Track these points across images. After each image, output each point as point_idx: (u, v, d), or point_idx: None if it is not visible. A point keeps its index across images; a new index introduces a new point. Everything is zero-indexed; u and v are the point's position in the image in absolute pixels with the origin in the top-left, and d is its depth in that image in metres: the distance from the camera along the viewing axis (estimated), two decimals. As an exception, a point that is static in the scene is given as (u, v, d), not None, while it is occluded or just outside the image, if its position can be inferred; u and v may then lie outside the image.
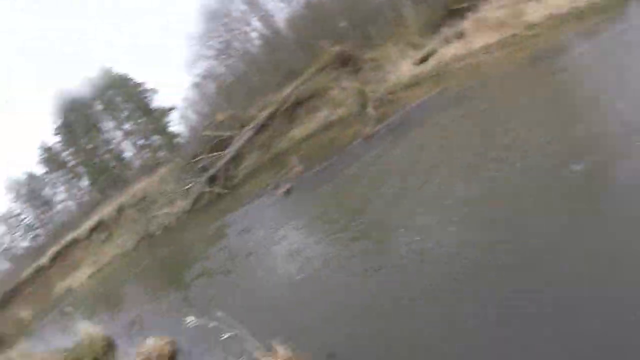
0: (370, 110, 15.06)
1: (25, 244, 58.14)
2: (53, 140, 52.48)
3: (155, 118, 47.64)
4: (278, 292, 8.17)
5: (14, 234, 59.24)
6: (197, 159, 22.36)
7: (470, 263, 5.23)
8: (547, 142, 7.02)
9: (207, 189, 21.13)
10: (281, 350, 5.26)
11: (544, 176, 6.14)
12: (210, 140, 22.28)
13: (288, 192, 13.65)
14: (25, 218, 58.46)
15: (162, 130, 47.31)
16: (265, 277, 9.29)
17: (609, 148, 5.90)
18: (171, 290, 13.22)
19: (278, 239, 10.64)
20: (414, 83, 16.25)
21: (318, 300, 6.89)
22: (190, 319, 5.22)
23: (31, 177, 56.35)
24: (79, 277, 31.62)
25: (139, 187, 32.24)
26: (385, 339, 5.01)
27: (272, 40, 30.28)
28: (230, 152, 20.91)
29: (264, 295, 8.41)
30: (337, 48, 20.17)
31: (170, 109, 47.45)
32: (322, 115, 18.55)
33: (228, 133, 21.75)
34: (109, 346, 11.68)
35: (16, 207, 58.23)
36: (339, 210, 9.86)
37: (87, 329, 12.24)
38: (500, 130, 8.47)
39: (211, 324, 5.28)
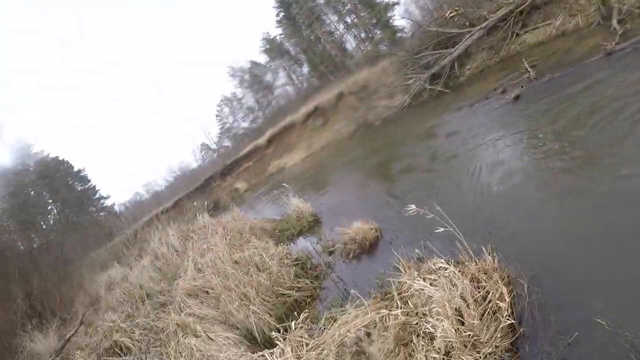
0: (614, 23, 13.78)
1: (245, 124, 67.65)
2: (275, 32, 58.23)
3: (377, 12, 48.52)
4: (477, 199, 8.52)
5: (236, 115, 69.04)
6: (420, 54, 22.93)
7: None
8: None
9: (429, 86, 21.81)
10: (489, 259, 5.60)
11: None
12: (436, 36, 22.48)
13: (516, 98, 13.40)
14: (246, 102, 67.27)
15: (384, 24, 48.46)
16: (467, 182, 9.59)
17: None
18: (380, 181, 14.34)
19: (490, 146, 10.76)
20: (669, 0, 13.98)
21: (516, 216, 7.14)
22: (411, 207, 5.66)
23: (254, 64, 63.84)
24: (293, 158, 35.03)
25: (360, 76, 33.12)
26: (586, 268, 5.16)
27: None
28: (456, 50, 21.02)
29: (463, 200, 8.74)
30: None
31: (394, 3, 47.88)
32: (559, 23, 17.39)
33: (455, 31, 21.73)
34: (316, 222, 13.19)
35: (239, 92, 67.24)
36: (561, 129, 9.41)
37: (297, 204, 14.00)
38: None
39: (425, 219, 5.68)
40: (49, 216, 59.00)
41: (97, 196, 65.72)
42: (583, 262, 5.31)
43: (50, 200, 60.29)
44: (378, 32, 49.79)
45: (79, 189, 64.40)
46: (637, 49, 11.58)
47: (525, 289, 5.23)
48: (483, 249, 5.74)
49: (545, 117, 10.63)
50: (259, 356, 6.42)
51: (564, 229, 6.11)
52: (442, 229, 5.50)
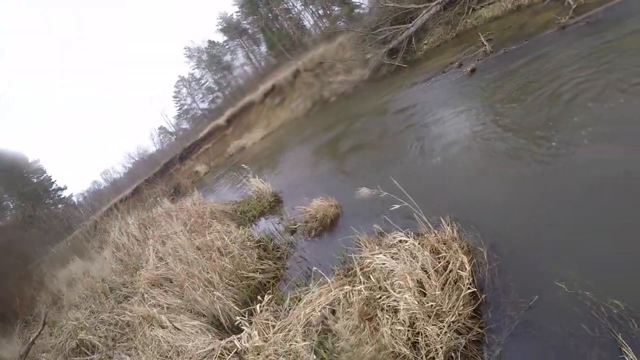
0: None
1: (204, 105, 66.96)
2: (232, 10, 57.69)
3: (336, -11, 48.49)
4: (430, 172, 8.85)
5: (194, 96, 68.21)
6: (378, 29, 22.91)
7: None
8: None
9: (387, 61, 21.85)
10: (447, 229, 5.76)
11: None
12: (393, 12, 22.45)
13: (472, 71, 13.74)
14: (205, 82, 66.50)
15: (342, 0, 48.42)
16: (419, 156, 9.96)
17: None
18: (336, 158, 14.47)
19: (443, 120, 11.12)
20: (625, -28, 14.58)
21: (469, 186, 7.45)
22: (362, 190, 6.03)
23: (212, 44, 63.14)
24: (252, 137, 35.03)
25: (316, 53, 33.14)
26: (542, 234, 5.40)
27: None
28: (414, 25, 21.14)
29: (417, 174, 9.04)
30: None
31: (352, -21, 47.82)
32: None
33: (412, 6, 21.68)
34: (276, 201, 13.30)
35: (197, 73, 66.44)
36: (510, 102, 9.71)
37: (257, 184, 14.00)
38: None
39: (382, 194, 5.76)
40: (6, 212, 57.39)
41: (53, 188, 64.05)
42: (539, 228, 5.52)
43: (6, 195, 58.53)
44: (336, 8, 49.53)
45: (35, 181, 62.59)
46: (590, 23, 11.87)
47: (485, 257, 5.40)
48: (442, 219, 5.89)
49: (496, 91, 10.96)
50: (227, 342, 6.42)
51: (519, 197, 6.37)
52: (397, 206, 5.62)
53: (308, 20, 53.34)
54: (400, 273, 4.89)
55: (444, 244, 5.47)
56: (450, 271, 5.04)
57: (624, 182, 5.28)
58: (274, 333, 5.74)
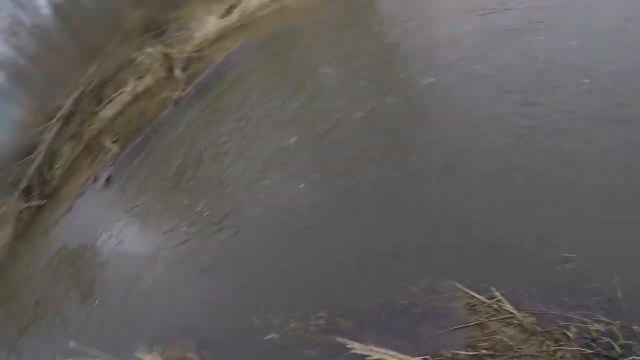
0: (178, 72, 15.49)
1: None
2: None
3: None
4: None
5: None
6: (3, 172, 20.56)
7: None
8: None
9: (25, 205, 19.33)
10: (148, 358, 5.72)
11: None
12: (14, 147, 20.82)
13: (108, 181, 13.69)
14: None
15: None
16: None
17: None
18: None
19: (86, 256, 11.30)
20: (220, 37, 17.08)
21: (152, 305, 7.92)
22: None
23: None
24: None
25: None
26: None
27: (67, 8, 26.43)
28: (40, 153, 19.80)
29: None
30: (137, 12, 20.25)
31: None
32: (130, 88, 18.51)
33: (32, 131, 20.77)
34: None
35: None
36: (143, 197, 10.88)
37: None
38: (309, 75, 9.96)
39: None
40: None
41: None
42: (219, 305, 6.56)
43: None
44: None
45: None
46: (199, 90, 13.48)
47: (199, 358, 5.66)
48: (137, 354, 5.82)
49: (125, 195, 12.03)
50: None
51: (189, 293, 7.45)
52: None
53: None
54: None
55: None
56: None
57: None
58: None
